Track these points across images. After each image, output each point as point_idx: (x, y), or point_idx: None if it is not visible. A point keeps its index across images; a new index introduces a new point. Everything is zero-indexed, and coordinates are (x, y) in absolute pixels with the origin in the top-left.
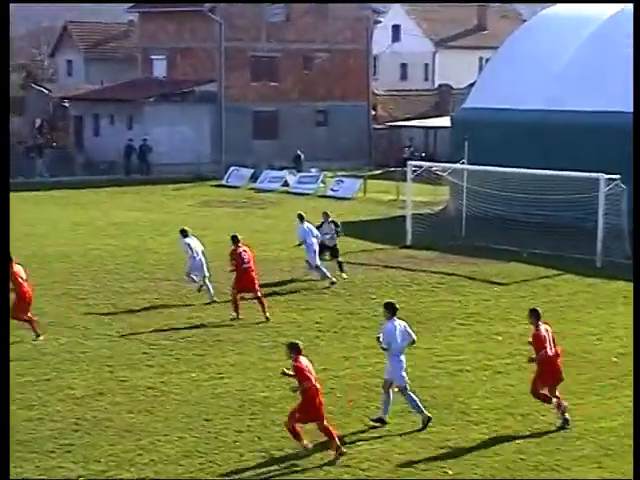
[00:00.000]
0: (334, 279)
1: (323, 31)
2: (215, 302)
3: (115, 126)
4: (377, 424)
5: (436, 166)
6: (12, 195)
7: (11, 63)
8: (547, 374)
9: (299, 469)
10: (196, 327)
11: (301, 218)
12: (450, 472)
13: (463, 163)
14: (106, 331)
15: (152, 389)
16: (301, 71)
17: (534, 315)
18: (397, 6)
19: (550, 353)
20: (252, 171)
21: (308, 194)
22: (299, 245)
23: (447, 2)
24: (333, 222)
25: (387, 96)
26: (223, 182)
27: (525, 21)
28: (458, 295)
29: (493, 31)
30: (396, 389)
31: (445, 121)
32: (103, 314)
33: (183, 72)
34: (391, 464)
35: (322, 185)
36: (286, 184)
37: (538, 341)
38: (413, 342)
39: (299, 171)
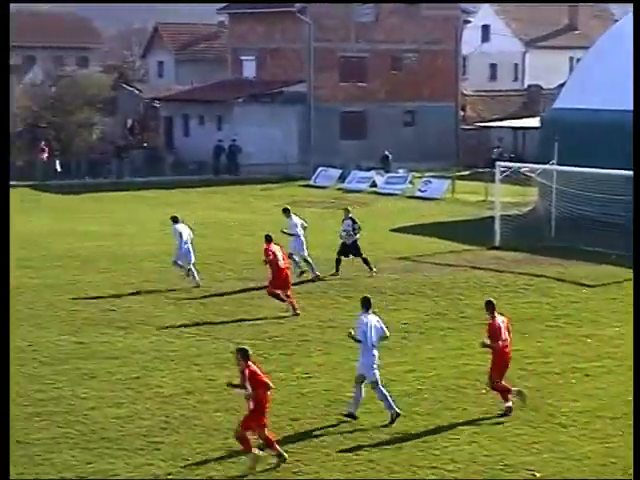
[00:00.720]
0: (318, 273)
1: (412, 31)
2: (199, 287)
3: (205, 126)
4: (348, 419)
5: (525, 167)
6: (103, 195)
7: (103, 64)
8: (501, 364)
9: (385, 469)
10: (283, 327)
11: (287, 212)
12: (537, 475)
13: (553, 164)
14: (195, 330)
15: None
16: (389, 71)
17: (489, 306)
18: (487, 6)
19: (504, 344)
20: (340, 171)
21: (396, 195)
22: (291, 234)
23: (538, 2)
24: (351, 219)
25: (476, 96)
26: (311, 182)
27: (617, 21)
28: (547, 297)
29: (584, 31)
30: (368, 382)
31: (534, 121)
32: (191, 313)
33: (272, 73)
34: (477, 465)
35: (410, 186)
36: (374, 185)
37: (494, 331)
38: (386, 337)
39: (387, 172)
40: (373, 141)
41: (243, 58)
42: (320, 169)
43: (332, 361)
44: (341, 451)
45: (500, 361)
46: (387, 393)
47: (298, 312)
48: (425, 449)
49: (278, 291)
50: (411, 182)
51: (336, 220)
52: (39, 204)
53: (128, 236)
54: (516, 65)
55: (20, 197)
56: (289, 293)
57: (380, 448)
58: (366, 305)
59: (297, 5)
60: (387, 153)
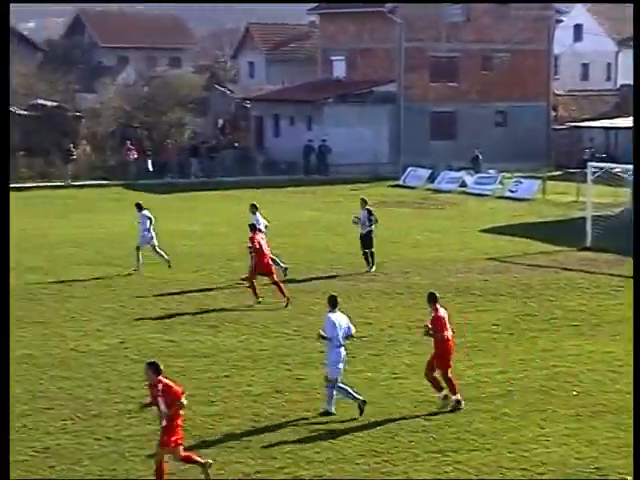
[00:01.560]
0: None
1: (503, 31)
2: (170, 266)
3: (295, 127)
4: (325, 416)
5: (617, 167)
6: (194, 195)
7: (195, 64)
8: (445, 356)
9: (473, 470)
10: (372, 327)
11: (254, 208)
12: (629, 478)
13: None
14: (284, 329)
15: None
16: (480, 71)
17: (431, 298)
18: (579, 5)
19: (448, 335)
20: (430, 172)
21: (486, 195)
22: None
23: (630, 2)
24: (368, 210)
25: (568, 96)
26: (400, 182)
27: None
28: None
29: None
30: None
31: (627, 121)
32: (281, 312)
33: (362, 73)
34: (567, 468)
35: (500, 186)
36: (464, 185)
37: (438, 323)
38: (352, 336)
39: (477, 172)
40: (463, 141)
41: (333, 58)
42: (410, 169)
43: (421, 362)
44: (429, 452)
45: (444, 351)
46: (348, 387)
47: (288, 299)
48: (514, 451)
49: (258, 276)
50: (501, 182)
51: (425, 220)
52: (130, 203)
53: (219, 235)
54: (609, 64)
55: (112, 196)
56: (275, 278)
57: (469, 449)
58: (333, 303)
59: (388, 5)
60: (477, 153)
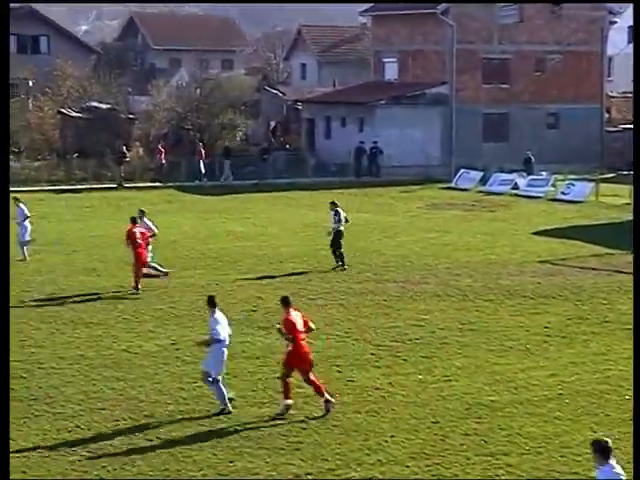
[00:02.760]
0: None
1: (556, 32)
2: (26, 261)
3: (346, 128)
4: (221, 415)
5: None
6: (246, 196)
7: (247, 67)
8: (295, 358)
9: (525, 474)
10: (423, 329)
11: (142, 214)
12: None
13: None
14: (334, 331)
15: (379, 390)
16: (533, 73)
17: (284, 302)
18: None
19: (300, 337)
20: (481, 174)
21: (538, 197)
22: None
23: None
24: (335, 211)
25: (621, 98)
26: (452, 184)
27: None
28: None
29: None
30: (209, 378)
31: None
32: (331, 314)
33: (414, 75)
34: None
35: (552, 188)
36: (516, 187)
37: (288, 325)
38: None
39: (529, 174)
40: (516, 143)
41: (385, 60)
42: (462, 171)
43: (472, 364)
44: (480, 455)
45: (295, 354)
46: (224, 391)
47: (139, 289)
48: (566, 455)
49: (143, 270)
50: (554, 185)
51: (477, 223)
52: (183, 205)
53: (270, 237)
54: None
55: (164, 198)
56: (144, 271)
57: (520, 453)
58: (212, 303)
59: (440, 7)
60: (530, 155)
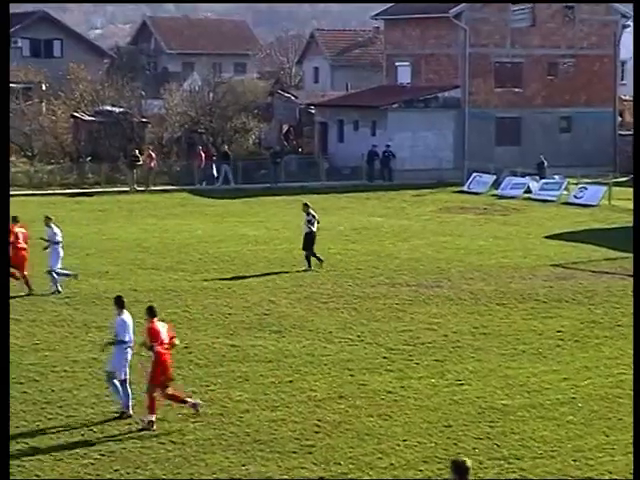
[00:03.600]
0: (60, 289)
1: (568, 36)
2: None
3: (359, 132)
4: (122, 418)
5: None
6: (259, 200)
7: (260, 70)
8: (157, 369)
9: (538, 478)
10: (435, 333)
11: (47, 220)
12: None
13: None
14: (347, 335)
15: (391, 393)
16: (545, 77)
17: (149, 312)
18: None
19: (162, 348)
20: (494, 177)
21: (551, 201)
22: (46, 249)
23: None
24: (306, 212)
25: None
26: (464, 188)
27: None
28: None
29: None
30: (115, 380)
31: None
32: (344, 318)
33: (427, 78)
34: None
35: (565, 192)
36: (528, 191)
37: (152, 334)
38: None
39: (542, 178)
40: (528, 147)
41: (398, 64)
42: (474, 175)
43: (485, 368)
44: (493, 459)
45: (159, 365)
46: (130, 393)
47: (33, 289)
48: (579, 459)
49: (14, 271)
50: (566, 188)
51: (489, 226)
52: (196, 208)
53: (283, 240)
54: None
55: (177, 201)
56: (25, 273)
57: (533, 457)
58: (120, 304)
59: (452, 10)
60: (542, 159)
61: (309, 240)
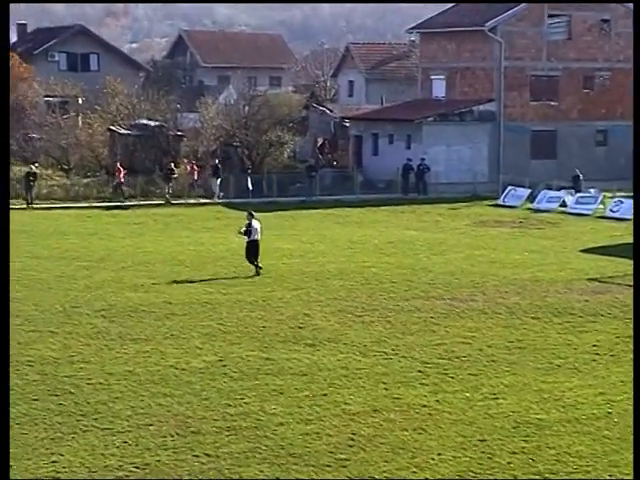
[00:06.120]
0: None
1: (604, 49)
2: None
3: (394, 146)
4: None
5: None
6: (293, 213)
7: (295, 84)
8: None
9: None
10: (470, 347)
11: None
12: None
13: None
14: (381, 348)
15: (426, 407)
16: (581, 90)
17: None
18: None
19: None
20: (529, 191)
21: (586, 215)
22: None
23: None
24: (250, 221)
25: None
26: (499, 202)
27: None
28: None
29: None
30: None
31: None
32: (378, 331)
33: (462, 92)
34: None
35: (601, 206)
36: (564, 204)
37: None
38: None
39: (577, 191)
40: (564, 160)
41: (433, 77)
42: (509, 188)
43: (520, 382)
44: (528, 474)
45: None
46: None
47: None
48: (615, 474)
49: None
50: (602, 202)
51: (524, 240)
52: (231, 222)
53: (317, 254)
54: None
55: (212, 215)
56: None
57: (568, 472)
58: None
59: (488, 24)
60: (578, 173)
61: (254, 248)
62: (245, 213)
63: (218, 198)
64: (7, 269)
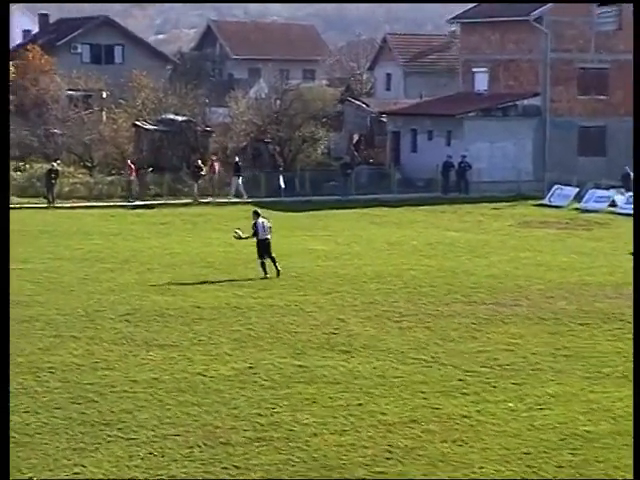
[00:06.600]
0: None
1: None
2: None
3: (433, 142)
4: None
5: None
6: (328, 213)
7: (330, 77)
8: None
9: None
10: (514, 354)
11: None
12: None
13: None
14: (420, 355)
15: (467, 418)
16: (632, 83)
17: None
18: None
19: None
20: (576, 190)
21: None
22: None
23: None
24: (255, 221)
25: None
26: (545, 201)
27: None
28: None
29: None
30: None
31: None
32: (417, 337)
33: (505, 85)
34: None
35: None
36: (613, 204)
37: None
38: None
39: (628, 190)
40: (613, 158)
41: (475, 70)
42: (555, 187)
43: (566, 392)
44: None
45: None
46: None
47: None
48: None
49: None
50: None
51: (572, 242)
52: None
53: (353, 256)
54: None
55: (243, 214)
56: None
57: None
58: None
59: (533, 14)
60: (629, 171)
61: (266, 247)
62: (254, 212)
63: (239, 197)
64: (7, 269)
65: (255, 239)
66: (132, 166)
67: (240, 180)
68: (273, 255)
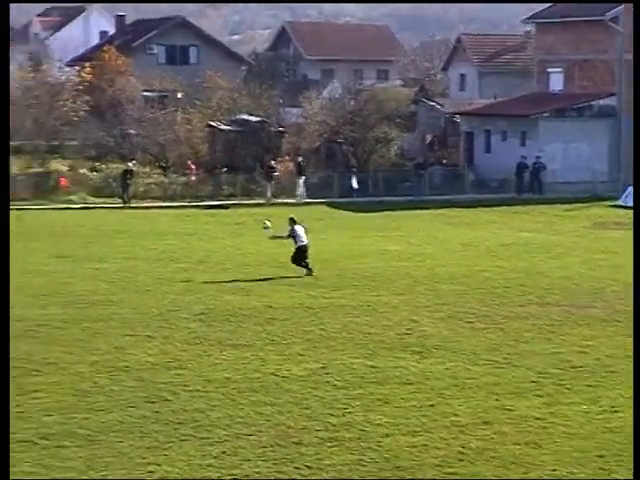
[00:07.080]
0: None
1: None
2: None
3: (507, 143)
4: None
5: None
6: (401, 213)
7: (403, 77)
8: None
9: None
10: (588, 356)
11: None
12: None
13: None
14: (493, 357)
15: (540, 420)
16: None
17: None
18: None
19: None
20: None
21: None
22: None
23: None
24: (292, 228)
25: None
26: (620, 202)
27: None
28: None
29: None
30: None
31: None
32: (490, 339)
33: (580, 85)
34: None
35: None
36: None
37: None
38: None
39: None
40: None
41: (550, 70)
42: (630, 188)
43: None
44: None
45: None
46: None
47: None
48: None
49: None
50: None
51: None
52: (335, 222)
53: (426, 256)
54: None
55: (315, 215)
56: None
57: None
58: None
59: (608, 14)
60: None
61: (303, 253)
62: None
63: (302, 198)
64: (7, 269)
65: (294, 244)
66: (192, 166)
67: (301, 181)
68: (307, 261)
